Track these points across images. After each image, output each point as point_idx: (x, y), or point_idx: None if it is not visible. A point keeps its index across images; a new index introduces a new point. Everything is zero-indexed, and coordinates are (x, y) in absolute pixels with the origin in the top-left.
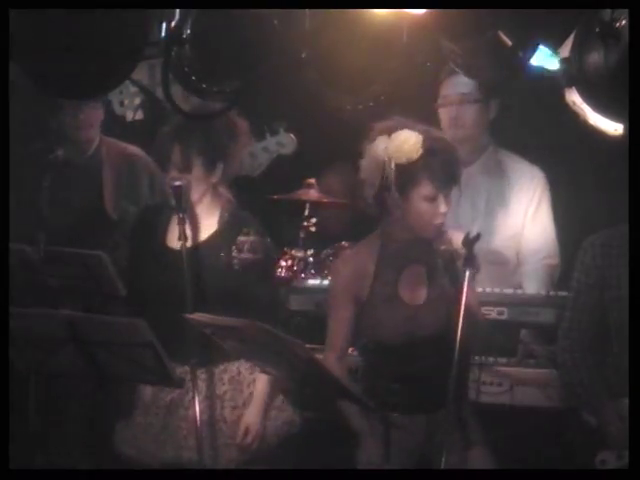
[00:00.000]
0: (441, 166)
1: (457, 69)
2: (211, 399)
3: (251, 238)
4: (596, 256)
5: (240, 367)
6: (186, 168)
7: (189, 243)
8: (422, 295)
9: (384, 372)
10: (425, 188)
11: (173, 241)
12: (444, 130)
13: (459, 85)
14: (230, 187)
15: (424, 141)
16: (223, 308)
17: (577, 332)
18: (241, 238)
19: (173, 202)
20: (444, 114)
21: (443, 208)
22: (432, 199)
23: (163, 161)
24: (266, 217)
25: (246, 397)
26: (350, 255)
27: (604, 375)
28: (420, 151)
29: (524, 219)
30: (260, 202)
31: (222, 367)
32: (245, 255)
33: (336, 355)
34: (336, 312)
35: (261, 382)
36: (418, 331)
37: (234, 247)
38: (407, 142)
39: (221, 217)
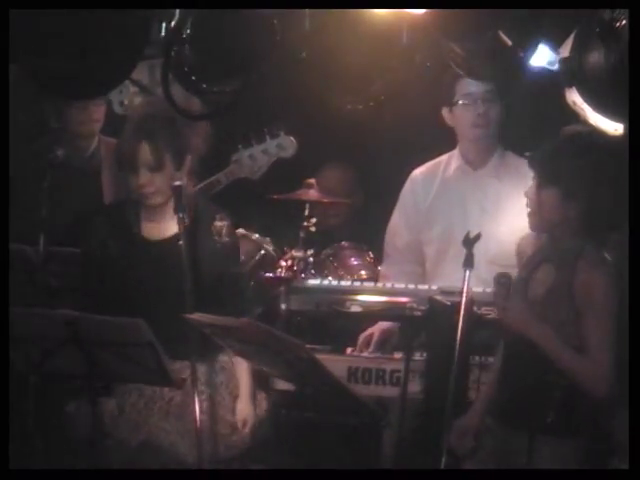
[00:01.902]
0: None
1: (457, 69)
2: (212, 398)
3: (226, 223)
4: (616, 253)
5: (232, 359)
6: (158, 167)
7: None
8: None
9: None
10: None
11: (150, 233)
12: (464, 128)
13: (480, 83)
14: (191, 175)
15: None
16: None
17: None
18: (217, 223)
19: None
20: (468, 111)
21: None
22: None
23: (128, 160)
24: (266, 217)
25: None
26: None
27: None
28: None
29: None
30: (260, 202)
31: (220, 365)
32: (224, 239)
33: None
34: None
35: (244, 371)
36: None
37: (214, 232)
38: None
39: (194, 209)
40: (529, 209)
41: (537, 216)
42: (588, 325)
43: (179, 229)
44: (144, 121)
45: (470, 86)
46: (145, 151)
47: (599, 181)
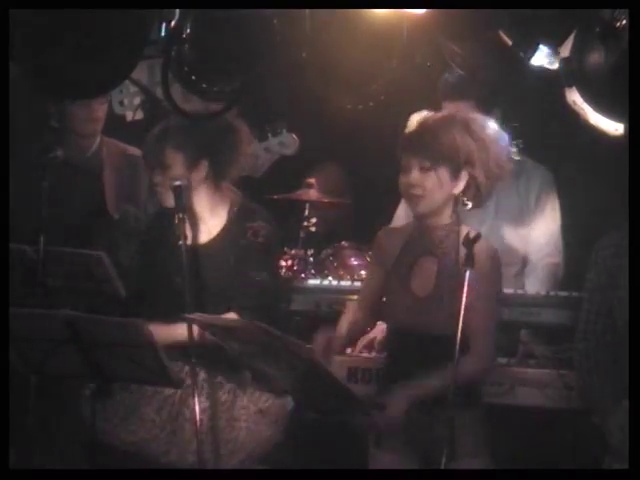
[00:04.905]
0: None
1: (457, 69)
2: (212, 398)
3: (255, 224)
4: (607, 257)
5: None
6: (165, 165)
7: (191, 241)
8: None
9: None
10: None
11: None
12: None
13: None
14: (237, 186)
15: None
16: (225, 303)
17: (593, 335)
18: (249, 224)
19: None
20: None
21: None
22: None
23: (151, 161)
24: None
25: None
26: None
27: (615, 378)
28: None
29: (530, 219)
30: (260, 202)
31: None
32: (262, 239)
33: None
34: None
35: None
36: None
37: (250, 234)
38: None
39: (230, 211)
40: (416, 194)
41: (423, 200)
42: (475, 310)
43: (179, 229)
44: (165, 123)
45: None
46: (158, 151)
47: (481, 154)
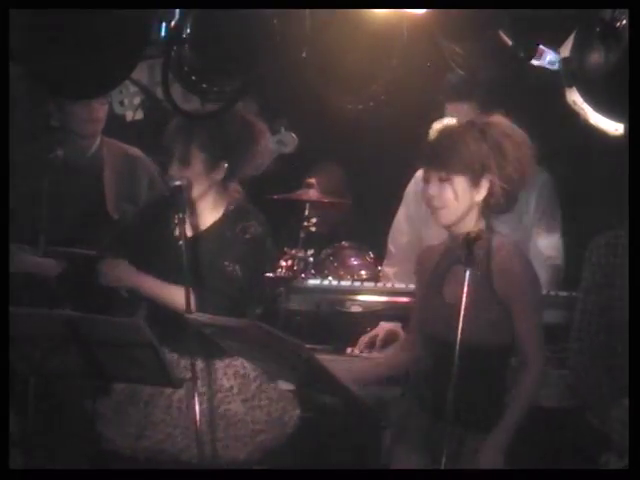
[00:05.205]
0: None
1: (457, 69)
2: (211, 397)
3: (249, 223)
4: (601, 256)
5: (244, 362)
6: (186, 162)
7: (190, 234)
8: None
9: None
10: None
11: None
12: None
13: (468, 103)
14: (242, 185)
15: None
16: (222, 301)
17: (587, 334)
18: (245, 223)
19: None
20: None
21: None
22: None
23: (167, 155)
24: (266, 217)
25: (254, 390)
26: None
27: (612, 377)
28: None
29: (531, 221)
30: (260, 202)
31: (225, 362)
32: (249, 236)
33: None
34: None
35: None
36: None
37: (239, 229)
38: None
39: (226, 209)
40: (436, 206)
41: (446, 210)
42: (516, 319)
43: (179, 229)
44: (187, 120)
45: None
46: (179, 146)
47: (499, 160)
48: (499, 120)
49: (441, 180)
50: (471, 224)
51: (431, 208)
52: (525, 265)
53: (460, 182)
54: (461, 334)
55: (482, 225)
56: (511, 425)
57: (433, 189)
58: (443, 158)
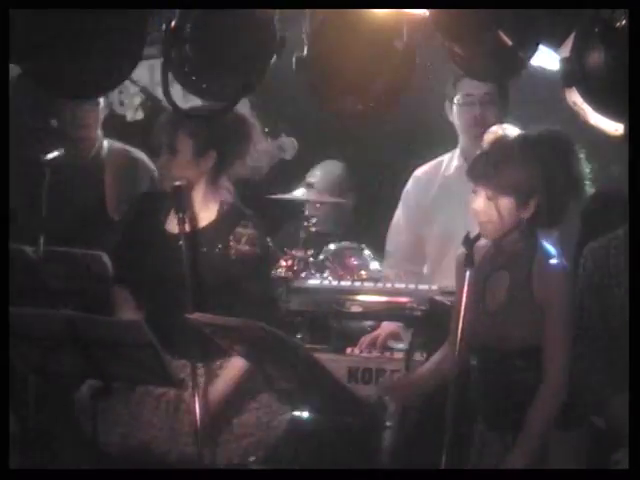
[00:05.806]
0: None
1: (458, 69)
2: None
3: (249, 231)
4: (596, 260)
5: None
6: (174, 149)
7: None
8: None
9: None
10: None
11: (173, 227)
12: (462, 127)
13: (481, 84)
14: (234, 182)
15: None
16: (218, 301)
17: (586, 337)
18: (239, 230)
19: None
20: (465, 113)
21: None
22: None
23: (160, 142)
24: (266, 217)
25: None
26: None
27: (612, 375)
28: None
29: None
30: (260, 202)
31: (218, 363)
32: (242, 247)
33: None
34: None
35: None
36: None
37: (232, 237)
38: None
39: (220, 208)
40: (481, 220)
41: (492, 225)
42: (548, 324)
43: (179, 229)
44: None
45: (471, 87)
46: (167, 135)
47: (549, 180)
48: (551, 135)
49: (488, 198)
50: (518, 236)
51: (477, 221)
52: (565, 277)
53: (506, 203)
54: (503, 340)
55: (529, 239)
56: (536, 434)
57: (479, 204)
58: (492, 178)
